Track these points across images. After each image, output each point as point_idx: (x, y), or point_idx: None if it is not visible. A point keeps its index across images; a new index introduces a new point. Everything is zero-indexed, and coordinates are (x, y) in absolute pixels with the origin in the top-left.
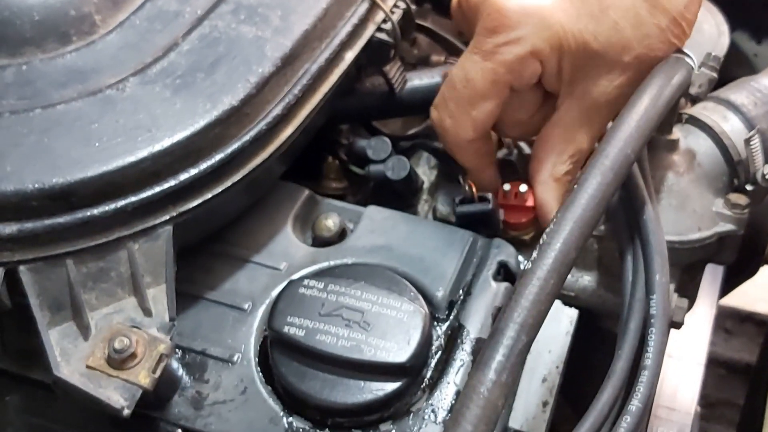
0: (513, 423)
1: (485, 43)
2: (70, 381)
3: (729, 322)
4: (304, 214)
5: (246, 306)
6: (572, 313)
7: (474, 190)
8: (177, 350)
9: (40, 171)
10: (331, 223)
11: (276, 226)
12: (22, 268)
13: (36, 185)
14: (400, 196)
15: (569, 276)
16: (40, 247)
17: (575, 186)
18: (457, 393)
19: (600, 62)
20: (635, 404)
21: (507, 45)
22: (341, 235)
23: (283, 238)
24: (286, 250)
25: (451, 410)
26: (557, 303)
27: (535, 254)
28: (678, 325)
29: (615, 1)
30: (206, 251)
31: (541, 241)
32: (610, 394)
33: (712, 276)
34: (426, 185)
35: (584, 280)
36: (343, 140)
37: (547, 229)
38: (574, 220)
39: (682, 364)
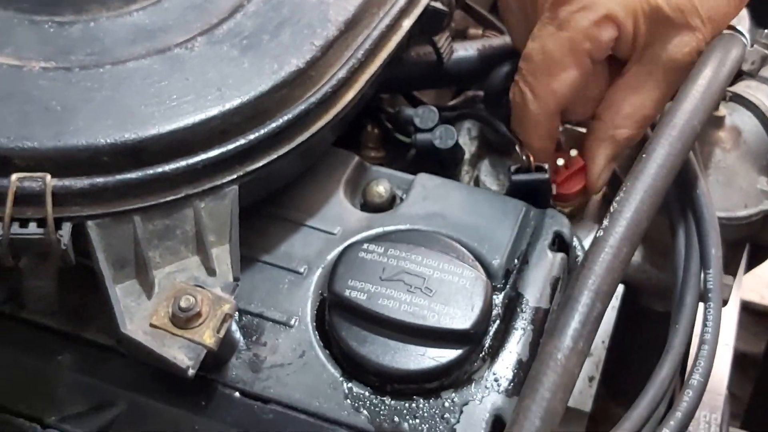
0: None
1: (559, 13)
2: (136, 338)
3: None
4: (354, 180)
5: (302, 269)
6: (618, 288)
7: (531, 159)
8: None
9: (112, 126)
10: (382, 189)
11: (328, 191)
12: (89, 223)
13: (108, 140)
14: (442, 165)
15: None
16: (109, 203)
17: (643, 156)
18: (519, 362)
19: (671, 26)
20: (697, 378)
21: (582, 11)
22: (391, 201)
23: (336, 203)
24: (340, 215)
25: (514, 380)
26: None
27: (606, 222)
28: (724, 302)
29: None
30: (261, 214)
31: (611, 209)
32: (669, 368)
33: None
34: (467, 156)
35: None
36: (388, 108)
37: (618, 198)
38: (645, 189)
39: None
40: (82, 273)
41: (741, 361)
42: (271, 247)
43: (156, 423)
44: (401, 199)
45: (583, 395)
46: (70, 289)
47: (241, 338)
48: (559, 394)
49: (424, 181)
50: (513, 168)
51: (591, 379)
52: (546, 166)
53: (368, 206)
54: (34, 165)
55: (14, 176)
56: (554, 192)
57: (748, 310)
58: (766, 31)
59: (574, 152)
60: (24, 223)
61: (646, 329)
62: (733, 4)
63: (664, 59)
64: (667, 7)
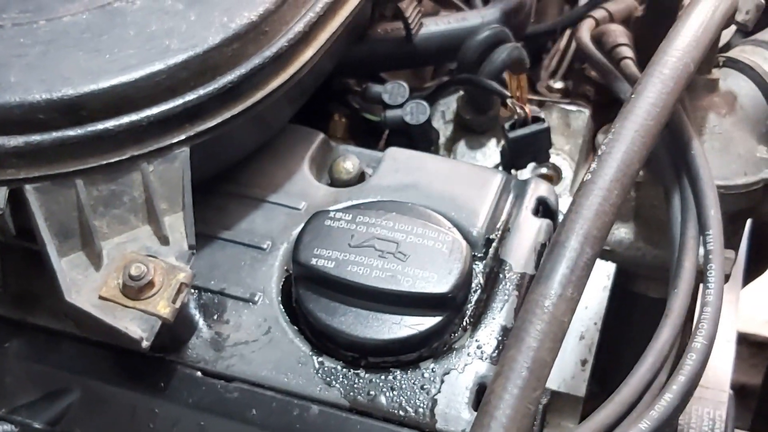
0: (550, 384)
1: None
2: (83, 308)
3: None
4: (319, 157)
5: (265, 245)
6: (609, 268)
7: (527, 111)
8: (192, 290)
9: (47, 82)
10: (350, 164)
11: (291, 167)
12: (28, 187)
13: (43, 96)
14: (416, 145)
15: None
16: (48, 164)
17: (632, 96)
18: (504, 328)
19: None
20: (700, 341)
21: None
22: (360, 178)
23: (300, 179)
24: (305, 191)
25: (499, 347)
26: None
27: (593, 165)
28: (726, 277)
29: None
30: (219, 192)
31: (599, 152)
32: (668, 333)
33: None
34: (442, 140)
35: (620, 232)
36: (355, 87)
37: (605, 140)
38: (636, 129)
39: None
40: (26, 256)
41: (739, 393)
42: (230, 224)
43: (113, 408)
44: (370, 176)
45: (576, 380)
46: (15, 273)
47: (202, 317)
48: (547, 344)
49: (395, 154)
50: (508, 124)
51: (584, 362)
52: (542, 115)
53: (335, 183)
54: None
55: None
56: None
57: (745, 341)
58: None
59: None
60: None
61: (639, 318)
62: None
63: None
64: None
